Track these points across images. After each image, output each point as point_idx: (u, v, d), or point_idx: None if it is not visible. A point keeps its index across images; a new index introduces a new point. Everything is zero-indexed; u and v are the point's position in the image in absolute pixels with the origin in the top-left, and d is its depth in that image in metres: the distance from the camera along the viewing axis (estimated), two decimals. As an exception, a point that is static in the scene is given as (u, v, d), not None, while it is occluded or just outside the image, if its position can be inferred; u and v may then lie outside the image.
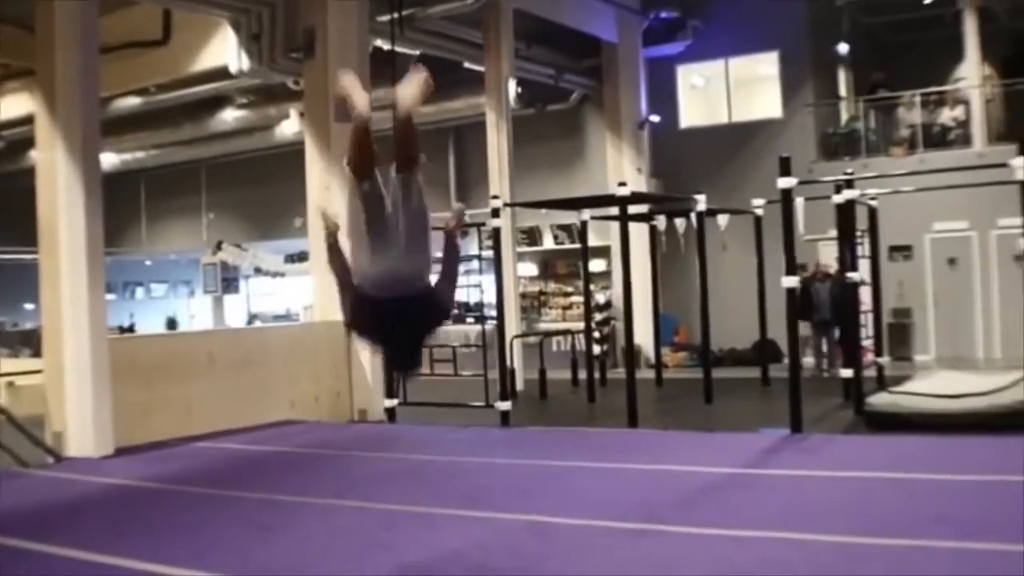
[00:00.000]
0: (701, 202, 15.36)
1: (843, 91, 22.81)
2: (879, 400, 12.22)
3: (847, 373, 14.04)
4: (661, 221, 16.30)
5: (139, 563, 6.80)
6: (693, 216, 15.69)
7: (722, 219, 16.35)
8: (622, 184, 13.29)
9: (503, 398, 13.62)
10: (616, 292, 21.88)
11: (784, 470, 9.21)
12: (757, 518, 7.31)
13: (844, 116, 22.48)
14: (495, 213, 13.82)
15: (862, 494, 8.14)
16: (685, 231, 17.10)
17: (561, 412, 15.07)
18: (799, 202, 15.99)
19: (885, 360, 15.82)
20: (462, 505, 8.11)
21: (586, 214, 16.33)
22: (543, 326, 22.72)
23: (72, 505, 8.99)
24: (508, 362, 14.04)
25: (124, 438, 11.77)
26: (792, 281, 11.54)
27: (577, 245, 23.35)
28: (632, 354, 13.60)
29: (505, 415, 13.53)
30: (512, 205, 15.01)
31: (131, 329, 26.98)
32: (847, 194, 13.49)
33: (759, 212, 16.99)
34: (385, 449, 10.89)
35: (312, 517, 8.08)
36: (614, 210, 17.67)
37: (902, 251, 20.73)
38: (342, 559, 6.81)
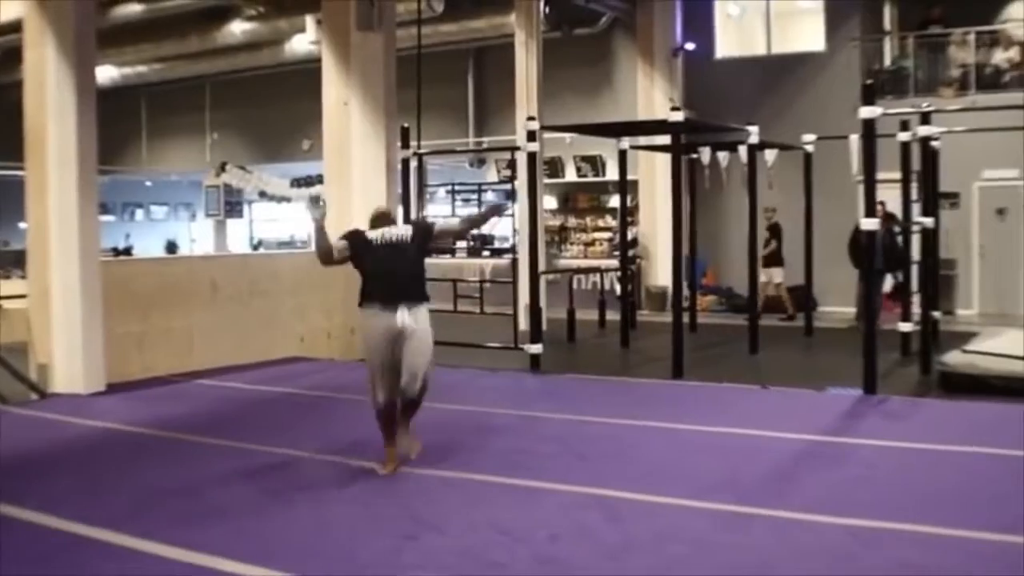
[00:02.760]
0: (754, 134, 14.04)
1: (887, 26, 21.33)
2: (954, 360, 10.96)
3: (905, 327, 12.82)
4: (705, 154, 14.94)
5: (116, 535, 5.65)
6: (742, 150, 14.34)
7: (769, 155, 14.99)
8: (675, 108, 11.98)
9: (533, 340, 12.42)
10: (642, 229, 20.61)
11: (874, 439, 7.97)
12: (868, 503, 6.09)
13: (888, 53, 21.04)
14: (531, 136, 12.50)
15: (975, 474, 6.93)
16: (727, 166, 15.76)
17: (594, 358, 13.85)
18: (853, 139, 14.83)
19: (937, 315, 14.56)
20: (508, 471, 6.89)
21: (625, 143, 15.00)
22: (563, 262, 21.42)
23: (48, 455, 7.79)
24: (535, 301, 12.75)
25: (117, 373, 10.59)
26: (873, 223, 10.27)
27: (600, 178, 22.28)
28: (679, 296, 12.32)
29: (535, 359, 12.34)
30: (548, 129, 13.68)
31: (127, 252, 25.68)
32: (922, 131, 12.16)
33: (809, 148, 15.70)
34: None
35: (328, 480, 6.87)
36: (644, 140, 16.55)
37: (948, 198, 19.33)
38: (370, 540, 5.60)
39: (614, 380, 11.47)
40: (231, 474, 7.00)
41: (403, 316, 6.97)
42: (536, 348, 12.35)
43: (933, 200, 13.04)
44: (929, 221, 12.33)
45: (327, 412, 9.47)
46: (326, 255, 7.33)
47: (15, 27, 11.14)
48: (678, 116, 11.83)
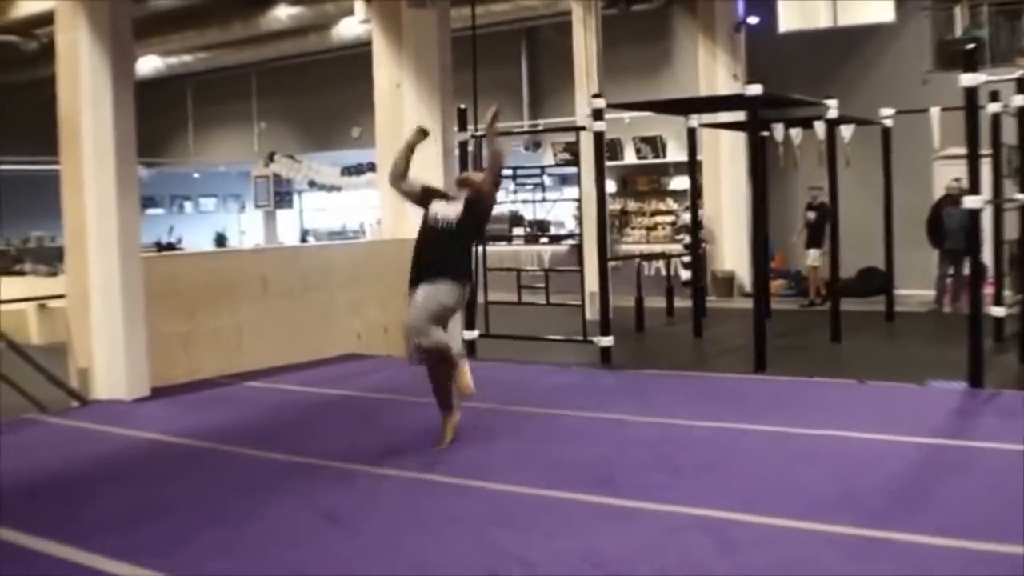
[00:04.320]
0: (833, 108, 13.16)
1: (958, -7, 20.26)
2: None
3: (999, 311, 11.94)
4: (778, 131, 14.04)
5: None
6: (817, 125, 13.45)
7: (846, 130, 14.06)
8: (751, 82, 11.12)
9: (604, 332, 11.65)
10: (707, 212, 19.73)
11: (996, 442, 7.10)
12: (1009, 520, 5.26)
13: (959, 22, 19.97)
14: (597, 115, 11.70)
15: None
16: (800, 143, 14.83)
17: (667, 349, 13.08)
18: (934, 112, 13.93)
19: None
20: (595, 487, 6.10)
21: (695, 120, 14.16)
22: (624, 248, 20.63)
23: (86, 473, 7.06)
24: (605, 290, 11.94)
25: (162, 376, 9.93)
26: (977, 201, 9.38)
27: (661, 160, 21.44)
28: (761, 282, 11.53)
29: (606, 352, 11.58)
30: (614, 107, 12.86)
31: (171, 247, 25.16)
32: (1018, 100, 11.23)
33: (888, 123, 14.80)
34: (472, 397, 8.87)
35: (394, 500, 6.11)
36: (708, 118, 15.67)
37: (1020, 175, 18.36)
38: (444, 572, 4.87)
39: (693, 375, 10.66)
40: (285, 493, 6.27)
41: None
42: (607, 341, 11.59)
43: (1024, 174, 12.14)
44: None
45: (386, 417, 8.70)
46: (398, 175, 7.55)
47: (51, 18, 10.45)
48: (756, 89, 10.97)
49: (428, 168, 12.56)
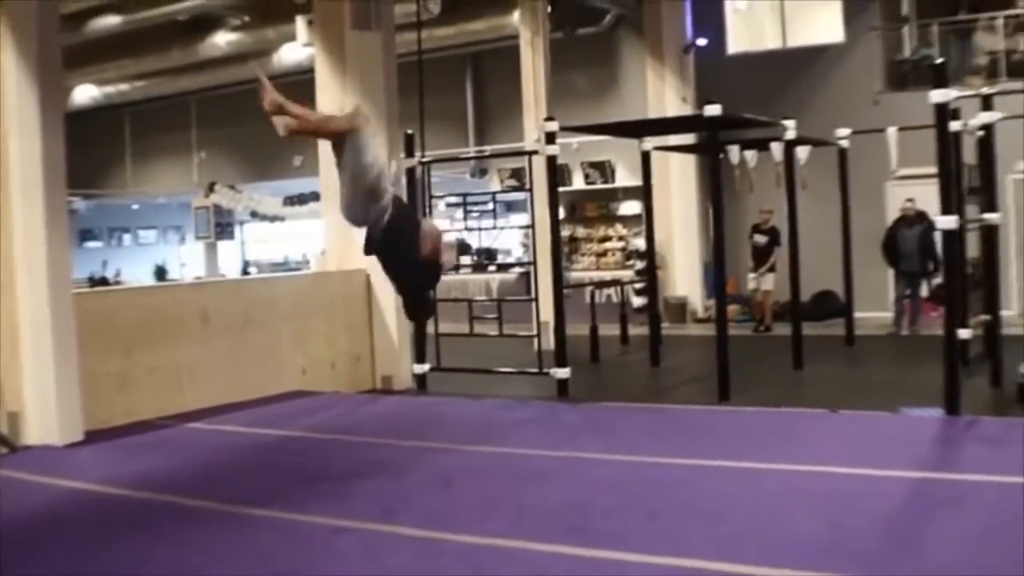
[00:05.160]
0: (791, 128, 12.84)
1: (905, 10, 20.07)
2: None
3: (964, 334, 11.59)
4: (733, 153, 13.69)
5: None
6: (774, 147, 13.13)
7: (801, 152, 13.75)
8: (710, 102, 10.76)
9: (560, 363, 11.23)
10: (658, 237, 19.31)
11: (985, 474, 6.73)
12: (1017, 562, 4.88)
13: (907, 42, 19.81)
14: (550, 138, 11.30)
15: None
16: (754, 166, 14.49)
17: (625, 380, 12.69)
18: (891, 132, 13.65)
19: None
20: (569, 536, 5.63)
21: (649, 143, 13.79)
22: (574, 275, 20.21)
23: (11, 533, 6.44)
24: (561, 319, 11.50)
25: (97, 418, 9.34)
26: (951, 222, 9.06)
27: (609, 185, 21.07)
28: (723, 308, 11.18)
29: (563, 384, 11.15)
30: (569, 129, 12.44)
31: (104, 281, 24.47)
32: (983, 118, 10.94)
33: (844, 144, 14.53)
34: (428, 435, 8.35)
35: (354, 555, 5.61)
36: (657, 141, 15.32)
37: (976, 194, 18.20)
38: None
39: (656, 407, 10.22)
40: (231, 556, 5.75)
41: None
42: (564, 372, 11.17)
43: (989, 193, 11.83)
44: (995, 217, 11.10)
45: (335, 459, 8.15)
46: None
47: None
48: (715, 109, 10.62)
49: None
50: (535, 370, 11.57)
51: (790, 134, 12.80)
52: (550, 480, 7.05)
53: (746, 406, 9.80)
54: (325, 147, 12.67)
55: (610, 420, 9.52)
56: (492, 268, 21.03)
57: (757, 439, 8.24)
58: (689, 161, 18.76)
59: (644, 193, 14.15)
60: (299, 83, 13.97)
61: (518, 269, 19.81)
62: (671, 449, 7.83)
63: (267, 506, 6.59)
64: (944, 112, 9.00)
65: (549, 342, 11.84)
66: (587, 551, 5.38)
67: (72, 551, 5.91)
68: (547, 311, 11.91)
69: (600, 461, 7.54)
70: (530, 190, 12.40)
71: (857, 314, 15.52)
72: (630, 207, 20.93)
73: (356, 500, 6.67)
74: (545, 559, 5.33)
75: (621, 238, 21.26)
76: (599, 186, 21.28)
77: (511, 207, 22.70)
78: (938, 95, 8.93)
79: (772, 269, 16.58)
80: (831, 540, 5.40)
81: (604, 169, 21.06)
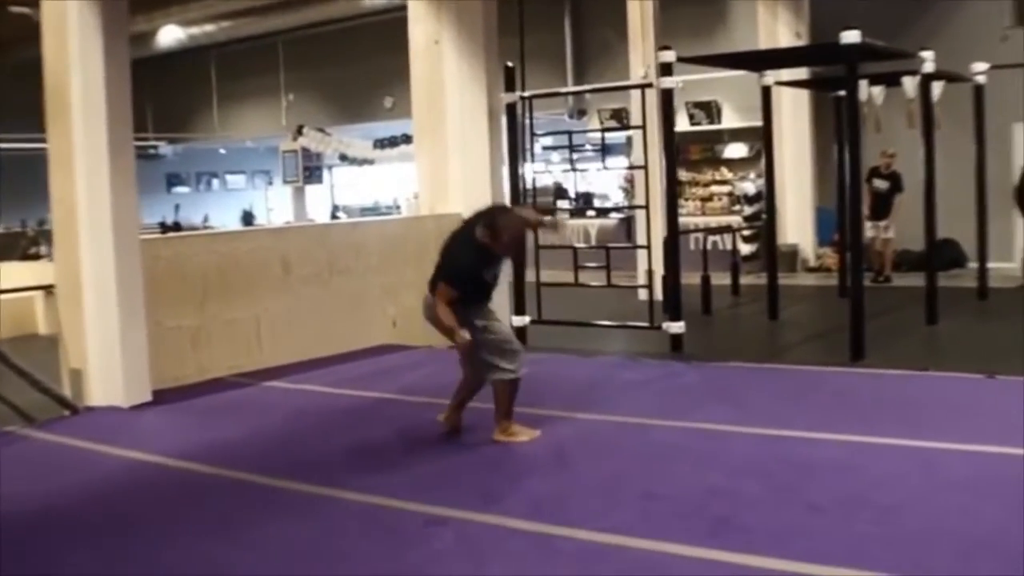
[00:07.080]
0: (929, 61, 11.56)
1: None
2: None
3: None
4: (862, 89, 12.44)
5: None
6: (907, 82, 11.88)
7: (936, 88, 12.45)
8: (848, 28, 9.56)
9: (674, 317, 10.20)
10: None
11: None
12: None
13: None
14: (666, 70, 10.19)
15: None
16: (882, 103, 13.20)
17: (743, 336, 11.65)
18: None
19: None
20: (712, 534, 4.63)
21: (769, 78, 12.58)
22: (679, 221, 19.07)
23: (62, 515, 5.54)
24: (676, 269, 10.43)
25: (167, 375, 8.57)
26: None
27: (715, 126, 19.91)
28: (859, 259, 10.12)
29: (677, 340, 10.15)
30: (686, 60, 11.17)
31: (176, 227, 23.86)
32: None
33: (981, 80, 13.18)
34: (533, 399, 7.30)
35: (456, 558, 4.65)
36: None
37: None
38: None
39: (783, 368, 9.12)
40: (312, 547, 4.83)
41: None
42: (678, 327, 10.16)
43: None
44: None
45: (430, 429, 7.14)
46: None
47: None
48: (853, 36, 9.44)
49: (470, 133, 11.26)
50: (645, 324, 10.53)
51: (928, 67, 11.51)
52: (680, 459, 6.03)
53: (885, 368, 8.68)
54: (418, 78, 11.83)
55: (736, 383, 8.45)
56: (591, 213, 20.06)
57: (912, 410, 7.13)
58: (802, 99, 17.48)
59: (764, 133, 12.91)
60: (389, 22, 13.17)
61: (617, 215, 18.78)
62: (815, 421, 6.74)
63: (347, 485, 5.67)
64: None
65: (656, 292, 10.85)
66: (741, 557, 4.33)
67: (113, 548, 5.03)
68: (656, 259, 10.91)
69: (735, 435, 6.48)
70: (642, 127, 11.31)
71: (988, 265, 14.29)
72: (736, 150, 19.92)
73: (453, 484, 5.72)
74: (687, 567, 4.32)
75: (727, 182, 20.09)
76: (704, 127, 20.11)
77: (608, 150, 21.66)
78: None
79: (888, 216, 15.38)
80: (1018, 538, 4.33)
81: (710, 109, 19.93)
